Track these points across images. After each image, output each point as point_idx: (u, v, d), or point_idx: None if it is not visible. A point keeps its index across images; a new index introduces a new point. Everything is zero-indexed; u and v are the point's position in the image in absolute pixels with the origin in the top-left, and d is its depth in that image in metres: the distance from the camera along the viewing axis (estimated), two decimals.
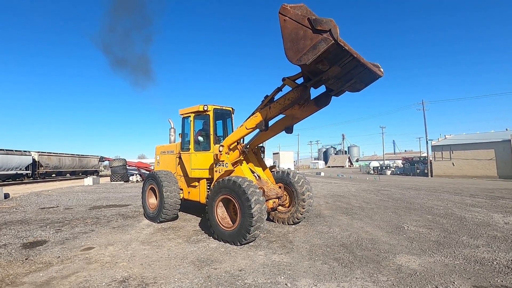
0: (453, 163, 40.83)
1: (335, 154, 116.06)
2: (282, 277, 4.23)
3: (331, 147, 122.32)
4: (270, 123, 6.62)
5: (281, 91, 6.08)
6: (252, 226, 5.55)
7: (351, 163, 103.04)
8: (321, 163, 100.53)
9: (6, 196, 14.07)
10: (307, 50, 4.39)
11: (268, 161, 54.01)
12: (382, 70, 5.31)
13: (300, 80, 5.78)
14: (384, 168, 54.82)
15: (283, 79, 5.86)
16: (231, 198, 6.00)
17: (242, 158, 7.06)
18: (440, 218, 8.37)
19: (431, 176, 41.26)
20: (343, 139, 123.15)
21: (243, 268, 4.62)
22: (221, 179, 6.32)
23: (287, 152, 70.30)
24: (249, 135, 7.05)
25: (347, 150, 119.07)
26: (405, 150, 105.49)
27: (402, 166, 53.06)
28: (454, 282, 4.01)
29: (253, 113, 6.52)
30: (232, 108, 8.50)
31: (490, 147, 37.58)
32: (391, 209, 9.90)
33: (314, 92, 5.97)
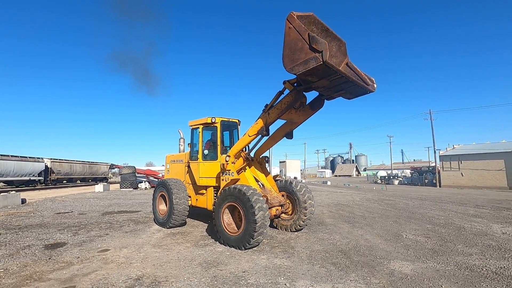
0: (462, 173, 40.37)
1: (342, 163, 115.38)
2: (282, 278, 4.61)
3: (338, 155, 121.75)
4: (272, 131, 7.19)
5: (283, 93, 6.50)
6: (256, 232, 5.95)
7: (359, 172, 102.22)
8: (328, 172, 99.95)
9: (23, 201, 14.79)
10: (300, 62, 4.91)
11: (275, 170, 54.21)
12: (375, 86, 5.73)
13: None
14: (391, 177, 54.37)
15: (284, 82, 6.36)
16: (236, 205, 6.42)
17: (246, 164, 7.51)
18: (439, 227, 8.60)
19: (440, 186, 40.80)
20: (351, 148, 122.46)
21: (246, 270, 5.01)
22: (227, 187, 6.76)
23: (293, 160, 70.33)
24: (255, 144, 7.61)
25: (354, 159, 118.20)
26: (413, 160, 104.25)
27: (410, 175, 52.57)
28: (442, 286, 4.32)
29: (255, 122, 7.03)
30: (239, 120, 9.00)
31: (499, 158, 37.10)
32: (393, 218, 10.14)
33: (310, 97, 6.59)
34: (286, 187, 8.01)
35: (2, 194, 13.93)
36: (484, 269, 5.02)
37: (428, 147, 78.98)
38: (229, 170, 7.24)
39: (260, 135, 7.06)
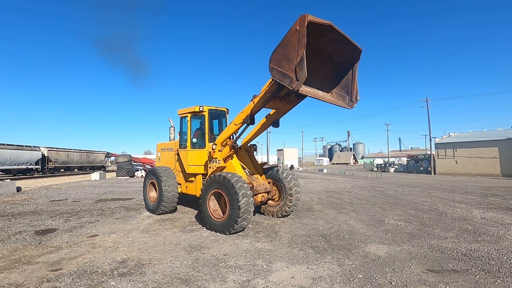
0: (456, 161, 40.78)
1: (340, 151, 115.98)
2: (260, 261, 4.82)
3: (336, 144, 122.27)
4: (258, 120, 7.26)
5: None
6: (240, 217, 6.14)
7: (356, 160, 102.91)
8: (325, 160, 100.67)
9: (19, 189, 14.97)
10: (280, 70, 4.96)
11: (273, 158, 54.59)
12: (354, 105, 5.76)
13: None
14: (387, 165, 54.86)
15: None
16: (222, 192, 6.59)
17: (233, 152, 7.64)
18: (422, 213, 8.85)
19: (434, 173, 41.31)
20: (349, 136, 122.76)
21: (228, 253, 5.22)
22: (213, 175, 6.92)
23: (291, 148, 70.76)
24: (241, 132, 7.70)
25: (352, 147, 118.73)
26: (411, 148, 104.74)
27: (407, 163, 53.06)
28: (410, 266, 4.54)
29: (241, 110, 7.12)
30: (227, 109, 9.06)
31: (493, 145, 37.41)
32: (379, 205, 10.39)
33: None
34: (273, 175, 8.17)
35: None
36: (455, 251, 5.25)
37: (425, 135, 79.53)
38: (216, 158, 7.39)
39: (246, 124, 7.15)
